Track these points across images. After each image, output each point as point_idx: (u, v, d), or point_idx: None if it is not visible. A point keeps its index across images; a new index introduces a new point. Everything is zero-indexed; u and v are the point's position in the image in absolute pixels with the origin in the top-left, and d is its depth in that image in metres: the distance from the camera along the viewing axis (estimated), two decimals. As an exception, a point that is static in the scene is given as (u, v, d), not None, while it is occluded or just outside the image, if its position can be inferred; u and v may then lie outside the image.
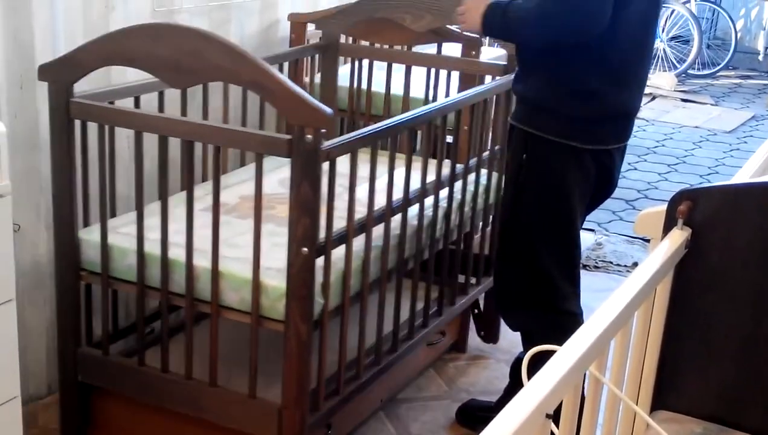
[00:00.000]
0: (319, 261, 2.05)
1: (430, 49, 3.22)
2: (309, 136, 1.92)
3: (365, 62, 3.17)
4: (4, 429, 1.80)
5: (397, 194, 2.33)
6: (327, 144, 1.97)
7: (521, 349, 2.69)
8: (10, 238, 1.79)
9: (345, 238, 2.15)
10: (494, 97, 2.77)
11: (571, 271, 2.41)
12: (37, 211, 2.44)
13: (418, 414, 2.75)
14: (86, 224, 2.31)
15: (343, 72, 3.24)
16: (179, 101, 2.54)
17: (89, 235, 2.26)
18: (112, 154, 2.23)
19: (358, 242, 2.22)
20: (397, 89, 3.08)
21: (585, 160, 2.30)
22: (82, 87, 2.20)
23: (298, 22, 3.21)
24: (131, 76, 2.39)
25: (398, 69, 3.08)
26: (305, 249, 1.99)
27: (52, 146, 2.17)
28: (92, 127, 2.19)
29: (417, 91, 3.09)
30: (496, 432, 1.07)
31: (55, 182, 2.20)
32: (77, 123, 2.18)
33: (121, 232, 2.28)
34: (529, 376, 1.23)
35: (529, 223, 2.36)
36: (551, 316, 2.36)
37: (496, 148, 2.82)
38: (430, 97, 3.07)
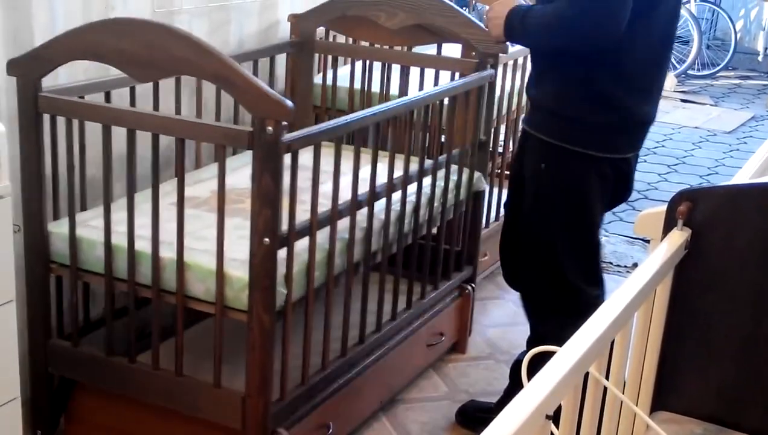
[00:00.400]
0: (282, 252, 2.08)
1: (431, 49, 3.24)
2: (269, 128, 1.95)
3: (359, 62, 3.20)
4: (5, 430, 1.81)
5: (363, 188, 2.36)
6: (288, 136, 2.00)
7: (521, 350, 2.70)
8: (10, 239, 1.81)
9: (308, 229, 2.18)
10: (464, 93, 2.79)
11: (595, 277, 2.41)
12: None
13: (418, 415, 2.77)
14: (56, 217, 2.34)
15: (343, 73, 3.27)
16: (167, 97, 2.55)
17: (59, 228, 2.30)
18: (82, 148, 2.26)
19: (323, 235, 2.25)
20: (385, 88, 3.10)
21: (604, 168, 2.29)
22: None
23: (297, 23, 3.23)
24: (114, 71, 2.41)
25: (395, 68, 3.10)
26: (267, 240, 2.02)
27: (21, 140, 2.21)
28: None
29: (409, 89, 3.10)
30: (495, 433, 1.07)
31: (24, 176, 2.23)
32: (46, 117, 2.21)
33: (91, 225, 2.31)
34: (529, 377, 1.23)
35: (551, 232, 2.35)
36: (580, 323, 2.33)
37: (466, 145, 2.85)
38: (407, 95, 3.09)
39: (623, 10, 2.09)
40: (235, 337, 2.27)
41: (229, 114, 2.90)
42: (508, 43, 2.56)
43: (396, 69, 3.10)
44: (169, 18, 2.77)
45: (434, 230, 2.80)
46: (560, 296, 2.37)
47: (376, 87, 3.18)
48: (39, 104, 2.17)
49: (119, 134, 2.17)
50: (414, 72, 3.07)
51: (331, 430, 2.38)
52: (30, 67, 2.16)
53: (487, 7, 2.38)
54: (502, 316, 3.44)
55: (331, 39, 3.36)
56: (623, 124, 2.28)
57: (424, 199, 2.65)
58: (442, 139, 2.93)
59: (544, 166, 2.31)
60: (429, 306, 2.84)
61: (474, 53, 2.91)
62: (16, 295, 2.34)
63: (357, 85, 3.21)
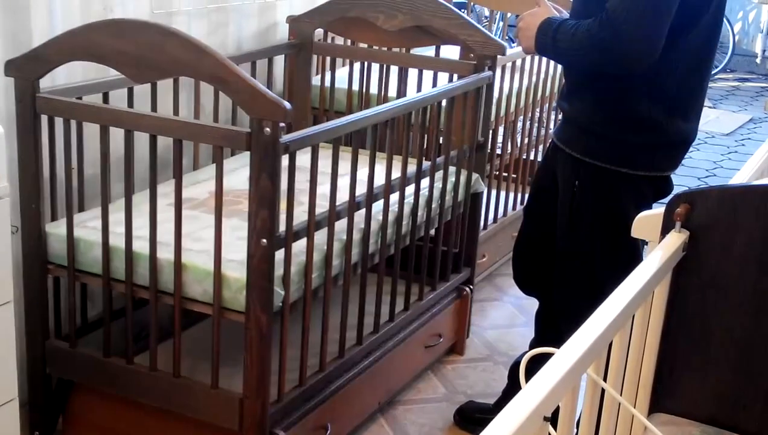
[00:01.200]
0: (279, 253, 2.08)
1: (429, 51, 3.24)
2: (267, 130, 1.95)
3: (357, 64, 3.20)
4: (3, 430, 1.81)
5: (361, 189, 2.36)
6: (286, 137, 2.01)
7: (519, 351, 2.69)
8: (8, 240, 1.80)
9: (306, 231, 2.18)
10: (461, 94, 2.79)
11: None
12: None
13: (416, 416, 2.77)
14: (54, 218, 2.34)
15: (342, 74, 3.27)
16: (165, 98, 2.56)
17: (56, 229, 2.30)
18: (80, 149, 2.26)
19: (321, 236, 2.25)
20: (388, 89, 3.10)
21: (641, 185, 2.22)
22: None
23: (295, 24, 3.23)
24: (113, 72, 2.41)
25: (394, 70, 3.09)
26: (264, 240, 2.02)
27: (19, 141, 2.21)
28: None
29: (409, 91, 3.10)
30: (493, 434, 1.07)
31: (22, 177, 2.23)
32: (44, 118, 2.21)
33: (88, 226, 2.31)
34: (528, 378, 1.23)
35: (590, 252, 2.27)
36: None
37: (464, 146, 2.85)
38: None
39: (659, 33, 1.99)
40: (233, 338, 2.27)
41: (227, 115, 2.90)
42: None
43: (394, 71, 3.11)
44: (168, 19, 2.77)
45: (432, 232, 2.80)
46: (596, 307, 2.32)
47: (374, 89, 3.19)
48: (37, 105, 2.17)
49: (117, 135, 2.17)
50: (412, 74, 3.07)
51: (329, 432, 2.38)
52: (28, 68, 2.16)
53: (518, 17, 2.29)
54: (500, 317, 3.44)
55: (329, 40, 3.37)
56: (661, 144, 2.19)
57: (422, 201, 2.65)
58: (440, 141, 2.93)
59: (578, 184, 2.24)
60: (427, 308, 2.84)
61: (472, 55, 2.91)
62: (14, 296, 2.36)
63: (355, 87, 3.22)
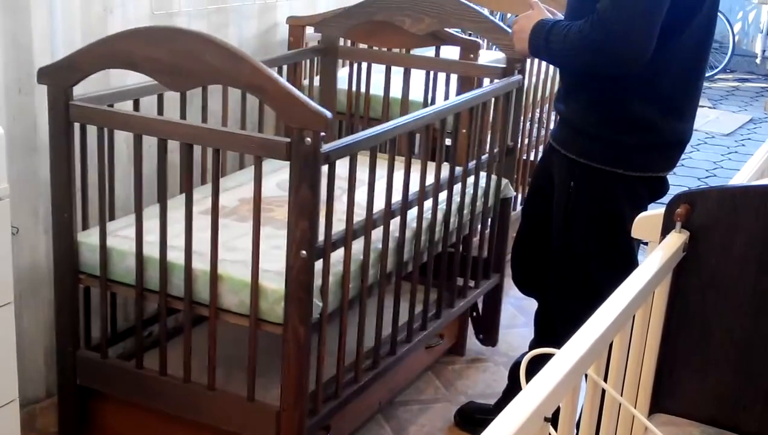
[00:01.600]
0: (318, 264, 2.05)
1: (429, 51, 3.22)
2: (308, 139, 1.92)
3: (363, 65, 3.17)
4: (3, 432, 1.79)
5: (396, 197, 2.33)
6: (326, 147, 1.97)
7: (520, 352, 2.69)
8: (8, 242, 1.79)
9: (344, 241, 2.15)
10: (492, 99, 2.77)
11: None
12: (35, 214, 2.44)
13: (417, 417, 2.75)
14: (85, 227, 2.31)
15: (342, 75, 3.24)
16: (179, 104, 2.54)
17: (88, 238, 2.26)
18: (112, 157, 2.23)
19: (357, 245, 2.22)
20: (396, 92, 3.08)
21: (636, 186, 2.21)
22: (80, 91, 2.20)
23: (296, 25, 3.22)
24: (131, 80, 2.38)
25: (397, 72, 3.07)
26: (304, 252, 1.99)
27: (51, 149, 2.18)
28: (92, 130, 2.19)
29: (416, 94, 3.09)
30: None
31: (54, 185, 2.20)
32: (76, 126, 2.18)
33: (120, 235, 2.28)
34: (528, 378, 1.23)
35: (585, 252, 2.27)
36: None
37: (495, 150, 2.82)
38: (429, 100, 3.07)
39: (651, 33, 1.98)
40: (266, 348, 2.24)
41: (254, 121, 2.87)
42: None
43: (399, 72, 3.07)
44: (168, 20, 2.74)
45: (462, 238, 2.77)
46: (593, 308, 2.32)
47: (394, 93, 3.15)
48: (70, 113, 2.14)
49: (146, 144, 2.15)
50: (418, 75, 3.04)
51: (330, 433, 2.34)
52: (61, 76, 2.13)
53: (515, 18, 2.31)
54: (501, 318, 3.40)
55: (348, 44, 3.33)
56: (656, 144, 2.19)
57: (453, 207, 2.62)
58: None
59: (573, 185, 2.24)
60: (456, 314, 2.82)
61: (472, 56, 2.92)
62: (46, 305, 2.34)
63: (363, 89, 3.18)
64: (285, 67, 3.01)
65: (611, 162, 2.19)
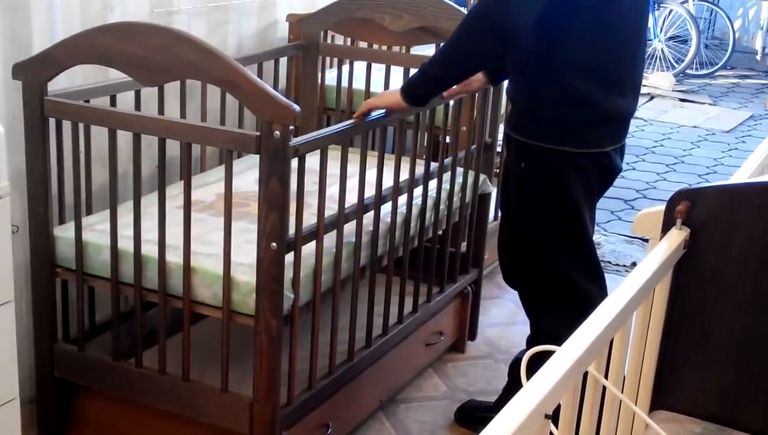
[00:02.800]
0: (289, 256, 2.08)
1: (430, 49, 3.23)
2: (277, 133, 1.94)
3: (361, 63, 3.19)
4: (3, 430, 1.80)
5: (370, 192, 2.35)
6: (295, 140, 2.00)
7: (520, 349, 2.69)
8: (8, 240, 1.80)
9: (315, 234, 2.17)
10: (471, 95, 2.79)
11: (592, 271, 2.37)
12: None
13: (417, 414, 2.76)
14: (62, 222, 2.34)
15: (334, 74, 3.27)
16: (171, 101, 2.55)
17: (64, 233, 2.29)
18: (88, 152, 2.26)
19: (330, 239, 2.24)
20: (380, 88, 3.10)
21: (582, 162, 2.25)
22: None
23: (296, 23, 3.23)
24: (114, 75, 2.41)
25: (397, 70, 3.08)
26: (274, 244, 2.01)
27: (27, 144, 2.20)
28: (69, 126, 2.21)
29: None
30: (495, 432, 1.07)
31: (30, 180, 2.22)
32: (52, 121, 2.20)
33: (96, 230, 2.31)
34: (529, 376, 1.23)
35: (540, 230, 2.32)
36: (580, 319, 2.32)
37: (473, 147, 2.84)
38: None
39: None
40: (239, 339, 2.26)
41: (234, 117, 2.90)
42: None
43: (396, 70, 3.09)
44: (168, 18, 2.76)
45: (440, 233, 2.79)
46: (558, 293, 2.36)
47: (375, 87, 3.18)
48: (45, 108, 2.16)
49: (122, 137, 2.16)
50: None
51: (330, 430, 2.37)
52: (35, 71, 2.15)
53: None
54: (501, 315, 3.43)
55: (329, 40, 3.35)
56: (598, 120, 2.23)
57: (429, 202, 2.64)
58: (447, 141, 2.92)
59: (524, 166, 2.30)
60: (436, 309, 2.83)
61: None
62: (23, 300, 2.36)
63: (356, 86, 3.20)
64: (270, 64, 3.04)
65: (557, 140, 2.24)
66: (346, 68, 3.22)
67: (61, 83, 2.36)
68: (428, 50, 3.30)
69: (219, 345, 2.18)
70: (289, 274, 2.09)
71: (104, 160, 2.35)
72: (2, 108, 2.29)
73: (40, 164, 2.20)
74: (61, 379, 2.37)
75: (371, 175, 2.34)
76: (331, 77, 3.30)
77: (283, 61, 3.14)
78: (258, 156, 1.99)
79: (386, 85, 3.09)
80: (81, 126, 2.22)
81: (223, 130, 2.13)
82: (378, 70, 3.16)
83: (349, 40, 3.38)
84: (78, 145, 2.22)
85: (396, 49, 3.19)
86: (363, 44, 3.27)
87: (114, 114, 2.19)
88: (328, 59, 3.39)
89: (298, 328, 2.17)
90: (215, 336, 2.39)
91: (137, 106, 2.50)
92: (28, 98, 2.16)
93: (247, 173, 2.70)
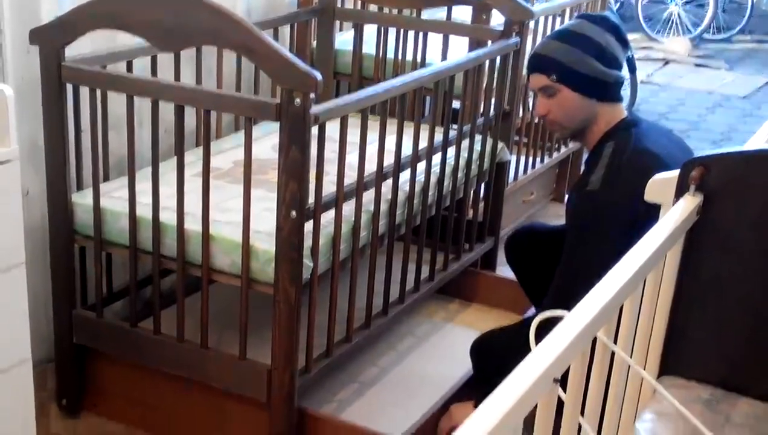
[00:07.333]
0: (308, 225, 2.07)
1: (440, 12, 3.19)
2: (298, 100, 1.92)
3: (370, 27, 3.16)
4: (16, 390, 1.82)
5: (389, 160, 2.33)
6: (316, 108, 1.98)
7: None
8: (19, 203, 1.79)
9: (334, 202, 2.16)
10: (487, 62, 2.76)
11: None
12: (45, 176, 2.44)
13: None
14: (80, 188, 2.33)
15: (347, 37, 3.24)
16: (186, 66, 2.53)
17: (82, 199, 2.28)
18: (105, 119, 2.24)
19: (348, 207, 2.23)
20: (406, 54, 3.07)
21: None
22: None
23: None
24: (122, 41, 2.38)
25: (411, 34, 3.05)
26: (294, 212, 2.00)
27: (44, 110, 2.19)
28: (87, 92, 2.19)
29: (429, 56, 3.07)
30: (503, 397, 1.06)
31: (48, 146, 2.21)
32: (69, 87, 2.19)
33: (114, 196, 2.30)
34: (537, 341, 1.23)
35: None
36: None
37: (491, 113, 2.81)
38: (419, 62, 3.05)
39: None
40: (257, 306, 2.26)
41: (249, 84, 2.87)
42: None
43: (411, 35, 3.06)
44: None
45: (457, 201, 2.78)
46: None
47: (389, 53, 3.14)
48: (62, 74, 2.14)
49: (138, 103, 2.14)
50: (436, 38, 3.02)
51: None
52: (53, 36, 2.13)
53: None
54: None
55: (338, 5, 3.30)
56: None
57: (448, 170, 2.62)
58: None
59: None
60: (452, 277, 2.83)
61: (485, 16, 2.88)
62: (42, 266, 2.36)
63: (366, 50, 3.17)
64: (286, 29, 3.00)
65: None
66: (351, 33, 3.18)
67: (75, 50, 2.34)
68: (439, 13, 3.27)
69: (234, 312, 2.17)
70: (307, 242, 2.08)
71: (119, 126, 2.34)
72: (10, 70, 2.27)
73: (58, 130, 2.18)
74: (79, 345, 2.38)
75: (389, 143, 2.32)
76: (341, 41, 3.26)
77: (296, 27, 3.11)
78: (274, 123, 1.97)
79: (397, 49, 3.05)
80: (98, 92, 2.20)
81: (243, 97, 2.12)
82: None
83: (359, 3, 3.33)
84: (96, 111, 2.20)
85: (407, 12, 3.15)
86: (373, 8, 3.22)
87: (132, 80, 2.17)
88: (337, 23, 3.34)
89: (317, 297, 2.17)
90: (229, 302, 2.39)
91: (153, 73, 2.48)
92: (46, 64, 2.15)
93: (264, 140, 2.68)
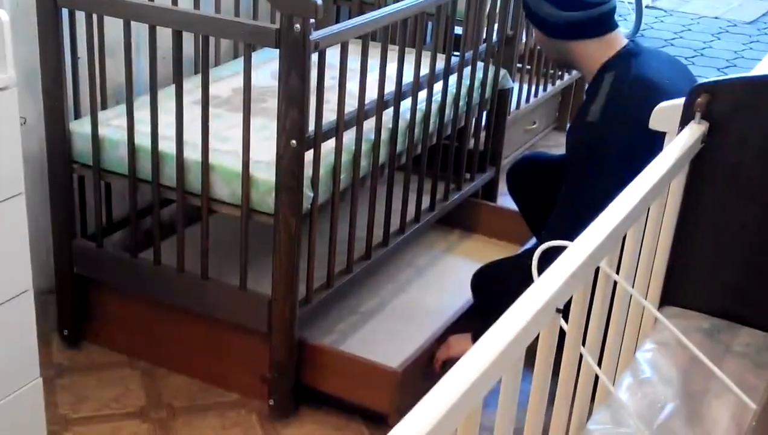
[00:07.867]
0: (308, 154, 2.04)
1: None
2: (297, 26, 1.88)
3: None
4: (18, 320, 1.82)
5: (390, 87, 2.30)
6: (316, 34, 1.94)
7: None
8: (17, 132, 1.77)
9: (335, 131, 2.13)
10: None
11: None
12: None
13: None
14: (77, 117, 2.30)
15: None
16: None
17: (80, 128, 2.25)
18: (102, 45, 2.20)
19: (349, 136, 2.20)
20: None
21: None
22: None
23: None
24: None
25: None
26: (294, 141, 1.98)
27: (40, 36, 2.14)
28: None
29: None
30: (505, 326, 1.07)
31: (44, 73, 2.17)
32: (65, 12, 2.14)
33: (113, 125, 2.27)
34: (540, 271, 1.22)
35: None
36: None
37: (494, 39, 2.77)
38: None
39: None
40: (257, 237, 2.25)
41: (248, 10, 2.82)
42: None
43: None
44: None
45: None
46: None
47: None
48: (57, -2, 2.10)
49: (139, 32, 2.10)
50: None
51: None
52: (46, -40, 2.08)
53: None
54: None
55: None
56: None
57: (449, 98, 2.59)
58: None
59: None
60: (452, 207, 2.81)
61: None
62: (41, 196, 2.34)
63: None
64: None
65: None
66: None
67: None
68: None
69: (235, 242, 2.17)
70: (308, 172, 2.06)
71: (116, 53, 2.30)
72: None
73: (54, 56, 2.14)
74: (80, 275, 2.37)
75: (390, 69, 2.28)
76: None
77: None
78: (273, 50, 1.93)
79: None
80: (95, 17, 2.15)
81: (242, 22, 2.07)
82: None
83: None
84: (92, 37, 2.16)
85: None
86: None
87: (128, 4, 2.11)
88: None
89: (317, 227, 2.15)
90: (230, 233, 2.38)
91: (150, -2, 2.42)
92: (39, -12, 2.10)
93: (263, 67, 2.64)
